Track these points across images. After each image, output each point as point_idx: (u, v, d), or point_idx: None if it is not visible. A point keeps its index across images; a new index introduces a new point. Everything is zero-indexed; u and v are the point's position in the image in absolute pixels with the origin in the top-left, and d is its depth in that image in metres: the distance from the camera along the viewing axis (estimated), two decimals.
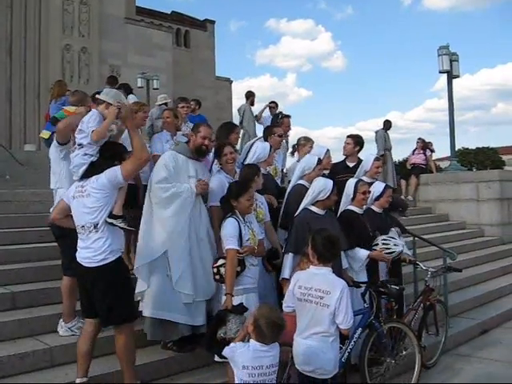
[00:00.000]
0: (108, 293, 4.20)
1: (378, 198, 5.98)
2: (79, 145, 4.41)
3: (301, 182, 5.87)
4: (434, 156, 15.66)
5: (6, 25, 23.62)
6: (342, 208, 5.80)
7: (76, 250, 4.67)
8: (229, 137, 6.13)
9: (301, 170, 5.91)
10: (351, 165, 7.09)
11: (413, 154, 14.71)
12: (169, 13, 34.80)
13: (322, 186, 5.31)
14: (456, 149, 14.79)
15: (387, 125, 14.39)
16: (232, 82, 37.89)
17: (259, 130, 11.95)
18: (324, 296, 3.98)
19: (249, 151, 6.02)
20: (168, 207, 5.02)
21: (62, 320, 5.14)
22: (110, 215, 4.26)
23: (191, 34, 34.54)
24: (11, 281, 5.69)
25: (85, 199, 4.25)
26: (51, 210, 5.02)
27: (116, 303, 4.22)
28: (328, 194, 5.26)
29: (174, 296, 4.93)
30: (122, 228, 4.34)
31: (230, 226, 4.63)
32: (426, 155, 14.45)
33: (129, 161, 4.32)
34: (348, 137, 7.25)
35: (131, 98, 10.28)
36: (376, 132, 14.21)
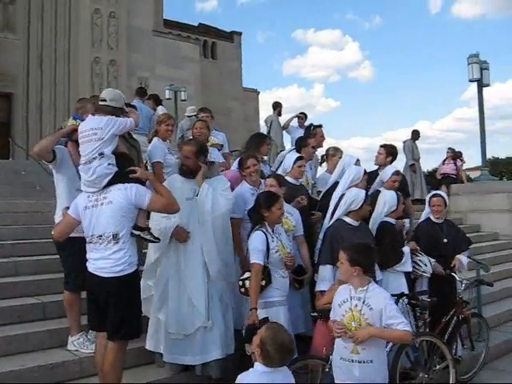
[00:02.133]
0: (122, 306, 4.09)
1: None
2: (100, 154, 4.25)
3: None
4: (464, 166, 15.46)
5: (36, 38, 24.11)
6: (375, 219, 5.67)
7: (73, 262, 4.75)
8: (260, 148, 6.11)
9: (350, 180, 5.73)
10: None
11: (443, 164, 14.55)
12: (196, 25, 35.08)
13: (354, 196, 5.23)
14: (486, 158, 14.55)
15: (415, 135, 14.27)
16: (259, 92, 38.07)
17: (287, 140, 11.96)
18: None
19: (281, 162, 6.03)
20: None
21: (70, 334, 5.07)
22: (135, 227, 4.19)
23: (218, 45, 34.78)
24: (42, 291, 5.71)
25: (105, 207, 4.13)
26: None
27: (128, 318, 4.13)
28: (360, 204, 5.18)
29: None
30: (147, 240, 4.31)
31: (256, 240, 4.58)
32: (456, 165, 14.27)
33: (161, 199, 4.26)
34: (381, 146, 7.17)
35: (160, 110, 10.41)
36: (404, 142, 14.09)
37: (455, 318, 5.57)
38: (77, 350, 4.91)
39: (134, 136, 6.28)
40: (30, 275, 6.01)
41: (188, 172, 5.01)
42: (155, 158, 6.03)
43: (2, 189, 10.79)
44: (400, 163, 13.63)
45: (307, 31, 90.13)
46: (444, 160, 14.58)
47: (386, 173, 6.45)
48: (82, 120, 4.86)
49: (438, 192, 6.40)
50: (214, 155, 6.74)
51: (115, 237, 4.10)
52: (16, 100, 23.63)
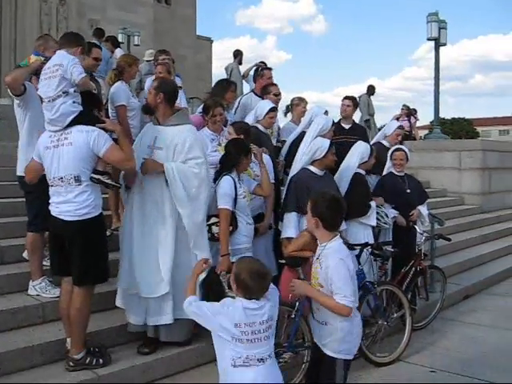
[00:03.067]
0: (87, 249, 4.02)
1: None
2: (64, 92, 4.06)
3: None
4: (417, 123, 15.75)
5: None
6: (348, 168, 5.76)
7: (39, 205, 4.57)
8: (225, 95, 6.03)
9: (318, 130, 5.73)
10: (347, 127, 7.10)
11: (397, 120, 14.72)
12: None
13: (318, 145, 5.28)
14: (432, 119, 14.88)
15: (371, 90, 14.40)
16: (212, 41, 37.34)
17: (246, 89, 11.82)
18: None
19: (237, 107, 6.00)
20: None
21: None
22: (95, 171, 4.06)
23: None
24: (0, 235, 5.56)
25: (66, 148, 4.00)
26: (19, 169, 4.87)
27: (94, 262, 4.07)
28: (324, 152, 5.21)
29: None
30: (108, 184, 4.17)
31: (226, 185, 4.56)
32: (410, 122, 14.51)
33: (118, 153, 4.09)
34: (347, 98, 7.20)
35: (119, 52, 10.10)
36: (359, 97, 14.11)
37: (413, 268, 5.76)
38: (38, 295, 4.82)
39: None
40: None
41: (146, 108, 4.73)
42: (119, 101, 5.84)
43: None
44: (355, 118, 13.74)
45: None
46: (398, 116, 14.78)
47: (390, 127, 6.66)
48: (45, 57, 4.72)
49: (400, 146, 6.52)
50: (182, 100, 6.62)
51: (77, 179, 4.00)
52: None
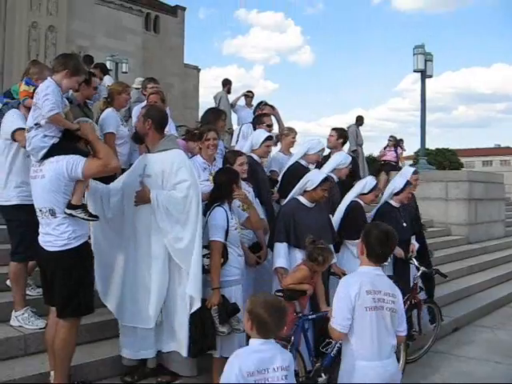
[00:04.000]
0: (68, 281, 3.90)
1: (397, 193, 6.18)
2: (36, 124, 3.94)
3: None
4: (404, 154, 15.86)
5: None
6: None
7: (21, 233, 4.54)
8: (216, 123, 6.00)
9: (335, 166, 6.12)
10: None
11: (384, 150, 14.83)
12: None
13: (310, 176, 5.26)
14: (417, 149, 14.99)
15: (360, 121, 14.47)
16: (200, 70, 37.57)
17: (234, 118, 11.86)
18: (394, 300, 3.47)
19: (239, 134, 6.02)
20: None
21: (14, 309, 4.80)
22: (69, 205, 3.91)
23: (161, 19, 34.06)
24: None
25: (41, 181, 3.92)
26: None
27: (75, 294, 3.93)
28: (314, 185, 5.15)
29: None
30: (82, 219, 3.96)
31: (218, 216, 4.47)
32: (397, 153, 14.60)
33: (95, 163, 3.94)
34: (332, 129, 7.32)
35: (108, 79, 10.07)
36: (348, 127, 14.20)
37: (408, 302, 5.68)
38: (21, 326, 4.67)
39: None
40: None
41: (136, 137, 4.69)
42: (108, 129, 5.76)
43: None
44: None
45: (250, 11, 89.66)
46: (385, 147, 14.89)
47: (406, 173, 6.66)
48: (36, 87, 4.49)
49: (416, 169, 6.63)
50: (171, 128, 6.58)
51: (52, 212, 3.91)
52: None
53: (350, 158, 6.36)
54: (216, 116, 6.18)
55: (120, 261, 4.50)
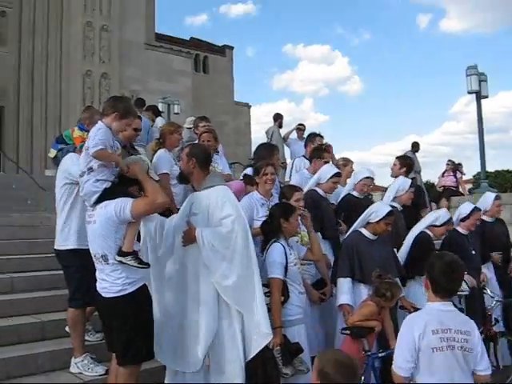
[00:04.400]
0: (126, 327, 3.80)
1: (464, 219, 5.98)
2: (89, 168, 3.90)
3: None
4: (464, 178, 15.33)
5: (28, 50, 23.83)
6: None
7: (78, 279, 4.55)
8: (272, 158, 5.88)
9: (394, 192, 5.95)
10: None
11: (442, 176, 14.36)
12: (187, 39, 34.99)
13: (374, 208, 5.06)
14: (476, 172, 14.47)
15: (415, 147, 14.07)
16: (251, 106, 37.89)
17: (287, 152, 11.75)
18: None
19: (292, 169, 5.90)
20: None
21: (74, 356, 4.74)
22: (119, 252, 3.83)
23: (210, 59, 34.66)
24: (40, 309, 5.41)
25: (93, 226, 3.89)
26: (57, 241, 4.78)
27: (134, 340, 3.81)
28: (378, 218, 4.93)
29: None
30: (132, 266, 3.83)
31: (276, 252, 4.31)
32: (456, 177, 14.10)
33: (142, 201, 3.87)
34: (396, 158, 7.09)
35: (160, 121, 10.17)
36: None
37: (482, 335, 5.31)
38: (80, 373, 4.60)
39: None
40: (27, 292, 5.68)
41: (181, 177, 4.62)
42: (162, 170, 5.73)
43: None
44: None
45: (297, 46, 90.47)
46: (443, 172, 14.41)
47: (487, 200, 6.50)
48: (88, 131, 4.55)
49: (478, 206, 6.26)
50: (222, 164, 6.52)
51: (104, 258, 3.85)
52: (7, 113, 23.29)
53: (409, 182, 6.14)
54: (270, 151, 6.06)
55: (168, 304, 4.33)
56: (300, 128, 11.45)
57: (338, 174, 5.91)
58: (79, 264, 4.48)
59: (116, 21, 25.93)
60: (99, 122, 4.06)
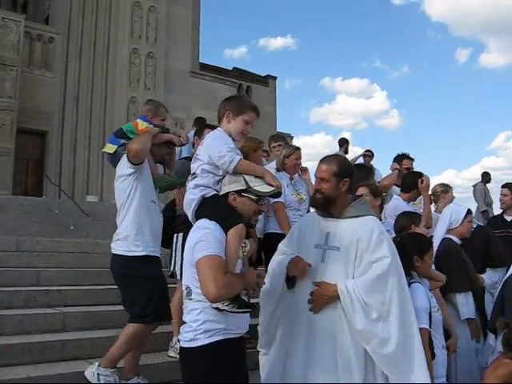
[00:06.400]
0: None
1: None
2: (192, 174, 3.24)
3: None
4: None
5: (74, 75, 23.69)
6: None
7: (153, 287, 3.91)
8: (369, 179, 5.16)
9: (446, 225, 4.87)
10: (509, 219, 5.89)
11: None
12: (230, 69, 34.81)
13: (453, 215, 4.88)
14: None
15: (486, 177, 13.03)
16: (293, 137, 37.23)
17: None
18: None
19: None
20: None
21: None
22: None
23: (253, 89, 34.31)
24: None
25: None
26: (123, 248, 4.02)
27: None
28: (460, 221, 4.81)
29: None
30: (231, 312, 2.87)
31: (421, 297, 3.34)
32: None
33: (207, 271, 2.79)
34: (504, 187, 6.01)
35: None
36: (474, 186, 12.87)
37: None
38: None
39: None
40: (80, 331, 4.85)
41: (321, 203, 3.39)
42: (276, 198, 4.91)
43: (34, 227, 9.96)
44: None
45: (335, 79, 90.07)
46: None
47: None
48: (151, 124, 4.33)
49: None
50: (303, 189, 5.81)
51: (188, 291, 2.93)
52: (50, 138, 23.02)
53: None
54: (368, 173, 5.32)
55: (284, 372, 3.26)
56: (367, 154, 10.55)
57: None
58: (149, 270, 3.86)
59: (162, 48, 25.79)
60: (218, 128, 3.43)
